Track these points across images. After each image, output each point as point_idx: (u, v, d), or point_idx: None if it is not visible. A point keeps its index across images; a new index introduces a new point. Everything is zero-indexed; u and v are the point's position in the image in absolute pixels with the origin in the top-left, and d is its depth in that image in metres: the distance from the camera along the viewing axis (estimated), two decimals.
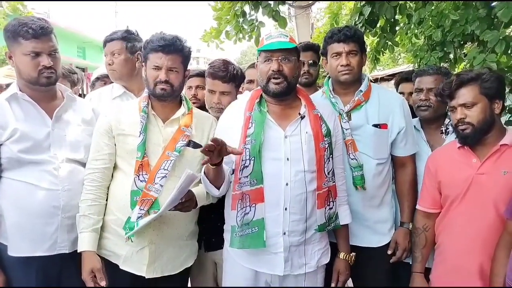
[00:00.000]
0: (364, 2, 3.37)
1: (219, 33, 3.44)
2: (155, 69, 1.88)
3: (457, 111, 1.84)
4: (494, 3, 2.69)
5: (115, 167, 1.97)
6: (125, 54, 2.43)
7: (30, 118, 1.91)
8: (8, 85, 2.74)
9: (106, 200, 1.96)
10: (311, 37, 6.92)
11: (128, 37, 2.45)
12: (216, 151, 1.60)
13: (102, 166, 1.92)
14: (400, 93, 2.91)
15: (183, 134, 1.92)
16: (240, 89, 2.48)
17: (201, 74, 2.57)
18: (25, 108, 1.92)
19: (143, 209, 1.82)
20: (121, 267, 1.90)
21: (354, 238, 2.07)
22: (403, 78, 3.01)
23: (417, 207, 2.10)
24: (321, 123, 1.85)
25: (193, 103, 2.51)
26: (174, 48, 1.87)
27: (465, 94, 1.81)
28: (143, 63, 1.96)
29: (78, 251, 1.86)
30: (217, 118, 2.27)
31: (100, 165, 1.92)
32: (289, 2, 4.50)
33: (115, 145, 1.93)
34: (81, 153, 1.99)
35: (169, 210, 1.79)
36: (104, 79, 3.18)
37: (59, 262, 1.91)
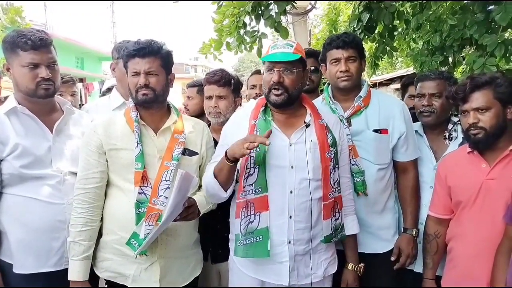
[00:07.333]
0: (362, 8, 3.38)
1: (220, 44, 3.38)
2: (135, 75, 1.81)
3: (469, 115, 1.80)
4: (491, 7, 2.70)
5: (108, 184, 1.87)
6: None
7: (30, 133, 1.87)
8: (6, 98, 2.71)
9: (101, 220, 1.86)
10: (309, 44, 6.92)
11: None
12: None
13: (94, 186, 1.82)
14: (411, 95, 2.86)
15: (178, 142, 1.87)
16: (244, 99, 2.48)
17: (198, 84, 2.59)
18: (25, 122, 1.88)
19: (151, 225, 1.74)
20: (129, 286, 1.83)
21: (358, 245, 2.04)
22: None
23: (429, 213, 2.07)
24: (327, 132, 1.83)
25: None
26: (150, 51, 1.80)
27: (479, 98, 1.77)
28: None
29: (68, 279, 1.79)
30: (216, 123, 2.30)
31: (91, 184, 1.82)
32: (288, 9, 4.48)
33: (106, 161, 1.84)
34: None
35: (174, 221, 1.72)
36: None
37: (65, 277, 1.83)
